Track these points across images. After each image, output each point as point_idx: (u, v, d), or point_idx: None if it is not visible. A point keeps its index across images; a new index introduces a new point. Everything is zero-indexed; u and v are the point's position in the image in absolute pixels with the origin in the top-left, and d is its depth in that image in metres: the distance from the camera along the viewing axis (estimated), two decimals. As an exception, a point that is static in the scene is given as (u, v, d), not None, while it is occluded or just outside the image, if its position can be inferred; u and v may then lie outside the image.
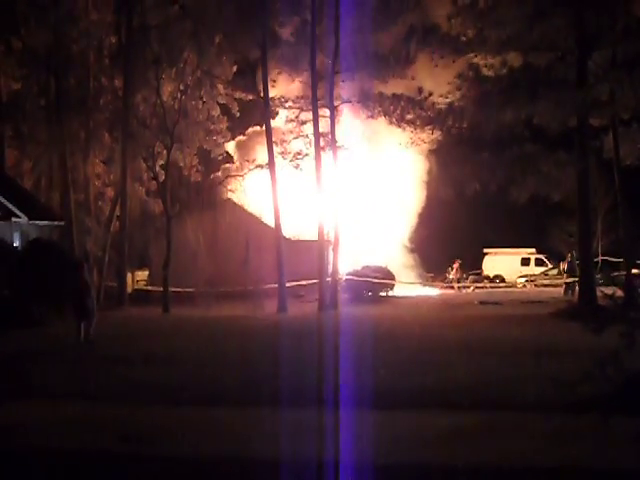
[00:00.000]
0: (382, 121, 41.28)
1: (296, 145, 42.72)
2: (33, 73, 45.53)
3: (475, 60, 32.75)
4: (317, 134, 38.54)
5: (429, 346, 20.88)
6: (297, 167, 42.16)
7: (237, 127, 50.50)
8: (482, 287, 52.99)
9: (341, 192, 39.66)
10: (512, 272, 55.43)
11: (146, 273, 50.33)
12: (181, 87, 41.45)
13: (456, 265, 52.99)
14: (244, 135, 52.39)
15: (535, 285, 52.38)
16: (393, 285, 46.76)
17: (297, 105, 42.09)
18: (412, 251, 53.36)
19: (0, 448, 10.61)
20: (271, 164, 38.68)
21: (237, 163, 49.33)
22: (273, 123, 41.04)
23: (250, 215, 48.68)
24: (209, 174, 49.54)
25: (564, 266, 45.30)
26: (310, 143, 40.37)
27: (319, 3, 37.32)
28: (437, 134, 37.86)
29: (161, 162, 41.84)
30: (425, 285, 52.68)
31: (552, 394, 10.81)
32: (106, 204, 46.64)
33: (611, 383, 6.85)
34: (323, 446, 10.32)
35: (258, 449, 10.30)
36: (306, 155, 41.65)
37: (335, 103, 38.80)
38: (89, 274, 25.28)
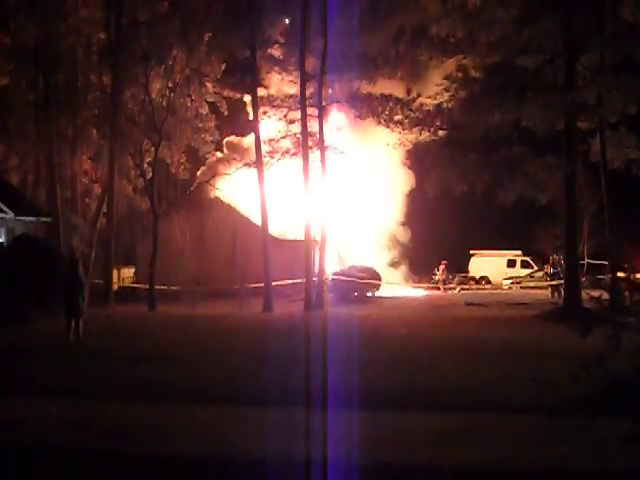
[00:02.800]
0: (370, 121, 41.31)
1: (284, 144, 42.72)
2: (21, 69, 45.36)
3: (464, 62, 32.81)
4: (305, 134, 38.58)
5: (415, 347, 20.92)
6: (284, 166, 42.19)
7: (225, 125, 50.42)
8: (468, 288, 53.11)
9: (328, 192, 39.68)
10: (498, 274, 55.59)
11: (132, 270, 50.26)
12: (170, 84, 41.41)
13: (442, 266, 53.09)
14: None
15: (521, 287, 52.52)
16: (379, 285, 46.81)
17: (286, 104, 42.09)
18: (399, 252, 53.44)
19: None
20: (259, 163, 38.71)
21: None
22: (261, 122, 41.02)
23: (237, 214, 48.66)
24: (197, 172, 49.49)
25: (548, 269, 45.41)
26: (298, 142, 40.39)
27: (308, 3, 37.32)
28: (425, 135, 37.88)
29: (149, 159, 41.82)
30: (411, 286, 52.74)
31: (538, 396, 10.87)
32: (93, 201, 46.52)
33: (597, 385, 6.88)
34: (310, 445, 10.33)
35: (244, 448, 10.30)
36: (294, 154, 41.68)
37: (323, 103, 38.87)
38: (83, 272, 25.10)
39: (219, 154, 50.40)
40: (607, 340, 6.79)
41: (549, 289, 43.95)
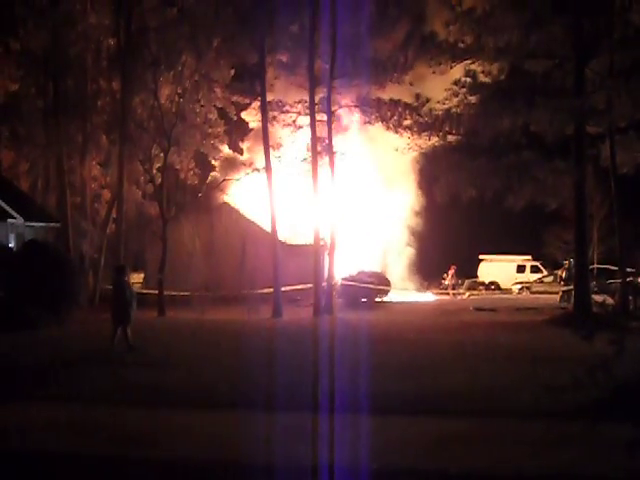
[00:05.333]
0: (379, 126, 41.29)
1: (293, 150, 42.72)
2: (31, 75, 45.48)
3: (472, 67, 32.79)
4: (314, 139, 38.56)
5: (423, 352, 20.91)
6: (293, 172, 42.22)
7: (234, 131, 50.43)
8: (477, 293, 53.01)
9: (337, 197, 39.67)
10: (508, 279, 55.47)
11: (142, 276, 50.27)
12: (179, 90, 41.44)
13: (451, 271, 53.05)
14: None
15: (530, 292, 52.39)
16: (388, 290, 46.74)
17: (295, 110, 42.11)
18: (408, 257, 53.36)
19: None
20: (268, 168, 38.69)
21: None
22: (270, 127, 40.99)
23: (246, 219, 48.66)
24: (206, 177, 49.49)
25: (562, 273, 45.16)
26: (307, 148, 40.39)
27: (317, 8, 37.33)
28: (434, 140, 37.85)
29: (158, 165, 41.81)
30: (420, 291, 52.67)
31: (544, 401, 10.84)
32: (102, 206, 46.61)
33: (600, 390, 6.86)
34: (317, 450, 10.33)
35: (252, 453, 10.30)
36: (303, 160, 41.68)
37: (332, 108, 38.83)
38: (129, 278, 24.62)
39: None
40: (611, 344, 6.77)
41: (560, 294, 43.61)
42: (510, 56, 31.80)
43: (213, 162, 48.82)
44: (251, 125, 49.41)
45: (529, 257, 56.60)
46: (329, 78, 37.96)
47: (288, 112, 42.17)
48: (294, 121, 42.52)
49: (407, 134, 39.25)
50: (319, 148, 39.10)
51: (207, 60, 40.95)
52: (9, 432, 11.53)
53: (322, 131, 39.28)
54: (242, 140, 51.66)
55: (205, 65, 41.26)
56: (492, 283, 56.21)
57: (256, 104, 42.99)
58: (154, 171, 41.58)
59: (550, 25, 30.24)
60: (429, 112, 37.86)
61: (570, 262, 43.14)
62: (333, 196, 38.91)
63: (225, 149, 48.55)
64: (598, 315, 12.20)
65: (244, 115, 48.13)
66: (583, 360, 7.15)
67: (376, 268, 48.41)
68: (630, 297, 32.34)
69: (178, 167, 45.20)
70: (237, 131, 50.68)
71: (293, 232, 46.60)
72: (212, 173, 49.25)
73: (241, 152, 50.90)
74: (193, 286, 41.97)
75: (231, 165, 49.07)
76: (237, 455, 10.26)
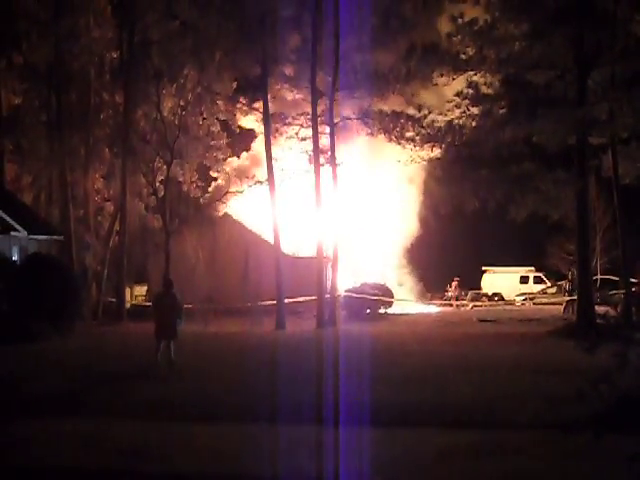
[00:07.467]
0: (381, 138, 41.28)
1: (296, 162, 42.76)
2: (34, 88, 45.62)
3: (474, 78, 32.78)
4: (317, 151, 38.61)
5: (427, 363, 20.88)
6: (296, 184, 42.22)
7: (237, 143, 50.57)
8: (480, 305, 52.93)
9: (340, 209, 39.68)
10: (511, 290, 55.39)
11: (144, 288, 50.24)
12: (181, 103, 41.59)
13: (455, 283, 52.98)
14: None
15: (534, 303, 52.32)
16: (392, 302, 46.72)
17: (297, 122, 42.14)
18: (411, 268, 53.35)
19: (9, 464, 10.65)
20: (270, 180, 38.75)
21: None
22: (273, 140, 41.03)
23: (249, 231, 48.68)
24: (208, 190, 49.59)
25: (566, 284, 45.02)
26: (310, 160, 40.43)
27: (319, 21, 37.44)
28: (436, 151, 37.85)
29: (161, 177, 41.92)
30: (424, 302, 52.62)
31: (547, 413, 10.83)
32: (105, 219, 46.67)
33: (604, 402, 6.85)
34: (322, 464, 10.33)
35: (257, 466, 10.29)
36: (306, 172, 41.72)
37: (335, 120, 38.88)
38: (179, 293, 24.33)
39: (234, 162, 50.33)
40: (614, 356, 6.76)
41: (564, 304, 43.44)
42: (512, 67, 31.84)
43: (217, 176, 48.95)
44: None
45: (532, 268, 56.54)
46: (331, 90, 38.06)
47: (290, 124, 42.20)
48: (297, 133, 42.54)
49: (409, 146, 39.25)
50: (322, 160, 39.14)
51: (210, 73, 41.08)
52: (12, 447, 11.53)
53: (325, 143, 39.32)
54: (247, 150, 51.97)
55: (208, 78, 41.40)
56: (495, 294, 56.11)
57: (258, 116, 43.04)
58: (157, 184, 41.70)
59: (552, 36, 30.26)
60: (431, 124, 37.88)
61: (574, 273, 43.09)
62: (336, 208, 38.94)
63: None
64: (601, 326, 12.19)
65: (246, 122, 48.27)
66: (586, 372, 7.15)
67: (379, 280, 48.37)
68: (633, 308, 32.32)
69: (181, 179, 45.31)
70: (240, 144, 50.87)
71: (296, 244, 46.60)
72: (216, 182, 49.39)
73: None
74: (196, 298, 41.97)
75: (234, 177, 49.19)
76: (242, 468, 10.25)
